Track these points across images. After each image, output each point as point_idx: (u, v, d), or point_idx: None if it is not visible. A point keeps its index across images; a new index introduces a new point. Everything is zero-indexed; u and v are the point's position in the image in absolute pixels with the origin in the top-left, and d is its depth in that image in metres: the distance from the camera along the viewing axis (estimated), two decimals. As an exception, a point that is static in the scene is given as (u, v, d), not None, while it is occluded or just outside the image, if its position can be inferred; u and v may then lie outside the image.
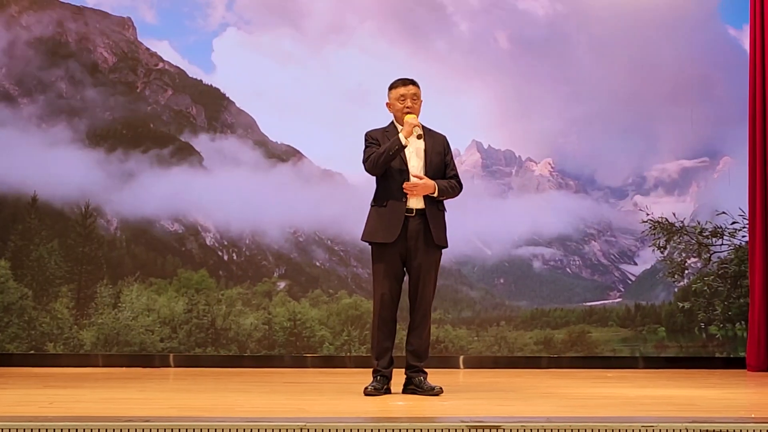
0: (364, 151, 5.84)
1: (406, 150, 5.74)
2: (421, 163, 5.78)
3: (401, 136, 5.67)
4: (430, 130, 5.91)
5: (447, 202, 5.89)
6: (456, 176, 5.88)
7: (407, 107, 5.77)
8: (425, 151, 5.80)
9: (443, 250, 5.90)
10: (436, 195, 5.72)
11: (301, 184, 8.73)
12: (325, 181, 8.73)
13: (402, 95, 5.81)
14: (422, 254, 5.73)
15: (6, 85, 8.62)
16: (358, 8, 8.94)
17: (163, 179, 8.60)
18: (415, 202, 5.73)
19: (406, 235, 5.71)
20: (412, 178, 5.71)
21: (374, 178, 5.85)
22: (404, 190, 5.69)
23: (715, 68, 8.84)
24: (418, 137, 5.70)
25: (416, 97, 5.81)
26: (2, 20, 8.66)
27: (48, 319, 8.31)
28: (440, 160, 5.85)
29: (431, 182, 5.71)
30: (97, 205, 8.49)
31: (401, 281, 5.81)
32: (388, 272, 5.74)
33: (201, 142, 8.75)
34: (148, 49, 8.87)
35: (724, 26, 8.99)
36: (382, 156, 5.68)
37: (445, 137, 5.95)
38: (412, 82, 5.84)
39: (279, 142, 8.84)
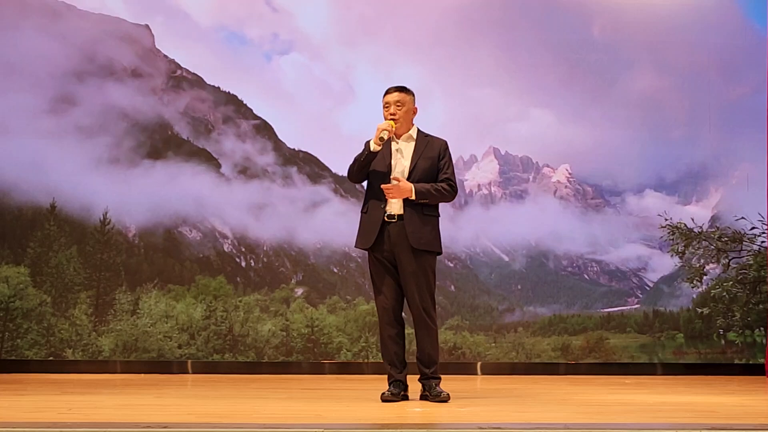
0: None
1: (394, 155, 5.76)
2: (407, 166, 5.77)
3: (371, 142, 5.68)
4: (427, 135, 5.88)
5: (461, 208, 5.85)
6: (448, 179, 5.79)
7: (391, 114, 5.78)
8: (413, 154, 5.79)
9: (440, 256, 5.90)
10: (413, 198, 5.66)
11: (317, 191, 8.74)
12: (342, 188, 8.74)
13: (386, 103, 5.82)
14: (406, 259, 5.68)
15: (24, 94, 8.66)
16: (381, 15, 8.95)
17: (181, 186, 8.63)
18: (396, 208, 5.70)
19: (390, 241, 5.69)
20: (392, 182, 5.69)
21: None
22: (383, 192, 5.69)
23: (734, 72, 8.79)
24: (380, 140, 5.64)
25: (400, 104, 5.77)
26: (22, 28, 8.71)
27: (67, 326, 8.35)
28: (430, 165, 5.78)
29: (408, 185, 5.65)
30: (115, 211, 8.53)
31: (401, 286, 5.79)
32: (380, 278, 5.76)
33: (218, 148, 8.77)
34: (166, 56, 8.90)
35: (745, 29, 8.93)
36: (355, 164, 5.74)
37: (444, 142, 5.87)
38: (398, 89, 5.82)
39: (296, 149, 8.85)
